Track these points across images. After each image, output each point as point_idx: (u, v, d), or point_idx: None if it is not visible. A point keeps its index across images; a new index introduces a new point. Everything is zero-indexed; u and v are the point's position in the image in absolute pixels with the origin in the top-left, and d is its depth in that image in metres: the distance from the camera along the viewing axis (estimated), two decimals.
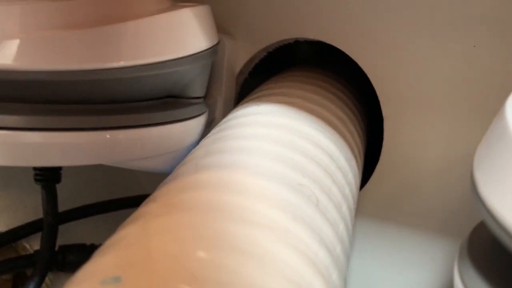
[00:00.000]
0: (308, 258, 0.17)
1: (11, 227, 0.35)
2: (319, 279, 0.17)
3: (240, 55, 0.36)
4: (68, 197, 0.35)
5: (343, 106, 0.32)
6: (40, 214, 0.36)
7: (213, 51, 0.28)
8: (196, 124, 0.28)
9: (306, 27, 0.33)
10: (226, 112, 0.37)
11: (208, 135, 0.27)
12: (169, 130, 0.26)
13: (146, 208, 0.19)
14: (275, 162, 0.21)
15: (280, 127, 0.25)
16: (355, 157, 0.29)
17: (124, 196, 0.39)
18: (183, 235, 0.16)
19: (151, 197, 0.20)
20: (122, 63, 0.23)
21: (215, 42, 0.28)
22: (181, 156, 0.28)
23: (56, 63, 0.22)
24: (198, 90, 0.28)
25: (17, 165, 0.23)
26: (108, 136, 0.23)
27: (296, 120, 0.26)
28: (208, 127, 0.32)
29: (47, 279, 0.33)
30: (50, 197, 0.33)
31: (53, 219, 0.33)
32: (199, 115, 0.28)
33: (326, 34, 0.32)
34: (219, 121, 0.36)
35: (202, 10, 0.27)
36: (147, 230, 0.16)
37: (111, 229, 0.39)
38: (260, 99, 0.30)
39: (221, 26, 0.34)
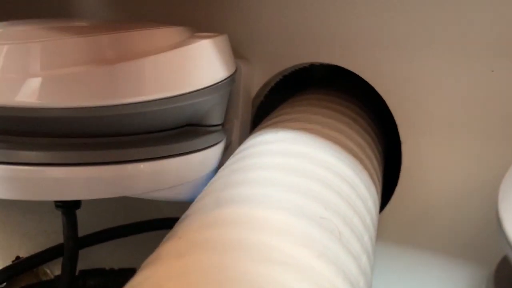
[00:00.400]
0: None
1: (32, 252, 0.35)
2: None
3: (256, 79, 0.36)
4: (87, 221, 0.36)
5: (360, 130, 0.32)
6: (60, 239, 0.36)
7: (231, 79, 0.28)
8: (215, 152, 0.28)
9: (322, 52, 0.33)
10: (243, 135, 0.37)
11: (227, 163, 0.27)
12: (190, 160, 0.26)
13: (169, 247, 0.19)
14: (296, 194, 0.21)
15: (300, 156, 0.25)
16: (374, 183, 0.29)
17: (142, 219, 0.39)
18: (207, 278, 0.16)
19: (173, 232, 0.20)
20: (143, 98, 0.23)
21: (233, 71, 0.29)
22: (201, 184, 0.29)
23: (78, 100, 0.22)
24: (217, 117, 0.29)
25: (40, 199, 0.23)
26: (130, 169, 0.23)
27: (315, 148, 0.26)
28: (225, 150, 0.32)
29: None
30: (71, 223, 0.33)
31: (73, 244, 0.33)
32: (218, 143, 0.28)
33: (342, 59, 0.33)
34: (236, 145, 0.37)
35: (220, 40, 0.27)
36: (170, 273, 0.16)
37: (129, 253, 0.39)
38: (277, 125, 0.30)
39: (237, 51, 0.35)
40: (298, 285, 0.16)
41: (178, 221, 0.22)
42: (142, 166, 0.24)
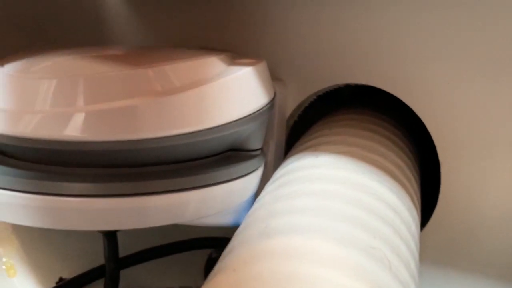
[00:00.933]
0: None
1: (74, 273, 0.36)
2: None
3: (291, 100, 0.37)
4: (126, 241, 0.36)
5: (398, 151, 0.32)
6: (99, 259, 0.37)
7: (272, 105, 0.29)
8: (257, 176, 0.29)
9: (358, 73, 0.33)
10: (277, 156, 0.38)
11: (269, 189, 0.27)
12: (234, 186, 0.26)
13: (222, 279, 0.19)
14: (345, 223, 0.21)
15: (343, 181, 0.25)
16: (415, 205, 0.29)
17: (179, 239, 0.39)
18: None
19: (224, 264, 0.21)
20: (188, 129, 0.23)
21: (273, 96, 0.29)
22: (242, 208, 0.29)
23: (126, 133, 0.23)
24: (257, 142, 0.29)
25: (88, 230, 0.24)
26: (175, 198, 0.24)
27: (357, 173, 0.26)
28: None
29: None
30: (111, 245, 0.34)
31: (114, 265, 0.34)
32: (259, 167, 0.29)
33: (379, 80, 0.33)
34: (271, 165, 0.37)
35: (261, 67, 0.28)
36: None
37: (167, 272, 0.40)
38: (317, 149, 0.30)
39: (272, 72, 0.35)
40: None
41: (226, 252, 0.22)
42: (189, 194, 0.24)
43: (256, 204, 0.26)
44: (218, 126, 0.24)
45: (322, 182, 0.25)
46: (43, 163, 0.25)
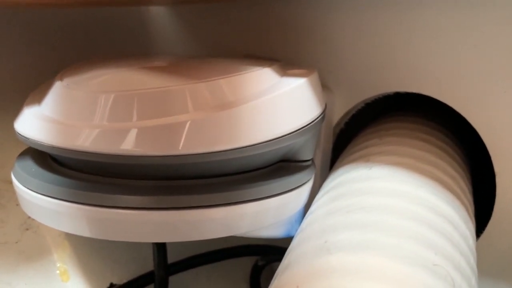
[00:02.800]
0: None
1: (123, 278, 0.37)
2: None
3: (338, 108, 0.36)
4: (174, 248, 0.37)
5: (451, 160, 0.31)
6: (148, 264, 0.37)
7: (324, 115, 0.28)
8: (308, 187, 0.29)
9: (409, 81, 0.33)
10: (324, 164, 0.38)
11: (321, 201, 0.27)
12: (288, 198, 0.26)
13: None
14: (407, 239, 0.21)
15: (399, 195, 0.25)
16: (470, 217, 0.28)
17: (225, 246, 0.40)
18: None
19: (285, 279, 0.21)
20: (245, 143, 0.23)
21: (325, 106, 0.29)
22: (294, 220, 0.29)
23: (183, 148, 0.23)
24: (309, 153, 0.29)
25: (144, 241, 0.24)
26: (231, 211, 0.24)
27: (413, 186, 0.26)
28: None
29: None
30: (161, 252, 0.34)
31: (163, 271, 0.35)
32: (310, 179, 0.29)
33: (431, 88, 0.32)
34: (317, 173, 0.37)
35: (313, 78, 0.28)
36: None
37: (213, 278, 0.40)
38: (369, 159, 0.30)
39: (321, 81, 0.35)
40: None
41: (284, 266, 0.22)
42: (244, 207, 0.24)
43: (309, 217, 0.26)
44: (272, 140, 0.24)
45: (379, 195, 0.25)
46: (99, 174, 0.25)
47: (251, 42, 0.39)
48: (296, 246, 0.23)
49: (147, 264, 0.37)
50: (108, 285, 0.36)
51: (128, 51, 0.45)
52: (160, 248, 0.34)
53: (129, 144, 0.23)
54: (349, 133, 0.39)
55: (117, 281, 0.36)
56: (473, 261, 0.24)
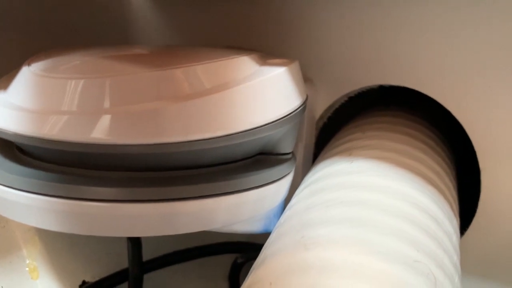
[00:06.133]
0: None
1: (97, 275, 0.35)
2: None
3: (321, 102, 0.35)
4: (150, 245, 0.35)
5: (435, 156, 0.30)
6: (122, 261, 0.36)
7: (304, 107, 0.27)
8: (288, 181, 0.28)
9: (393, 74, 0.32)
10: (306, 158, 0.37)
11: (301, 194, 0.26)
12: (265, 192, 0.25)
13: None
14: (387, 235, 0.20)
15: (382, 190, 0.24)
16: (455, 214, 0.27)
17: (202, 243, 0.38)
18: None
19: (258, 275, 0.20)
20: (220, 133, 0.22)
21: (305, 97, 0.28)
22: (272, 215, 0.28)
23: (154, 136, 0.21)
24: (288, 146, 0.28)
25: (115, 236, 0.23)
26: (206, 204, 0.23)
27: (395, 180, 0.25)
28: None
29: None
30: (135, 248, 0.33)
31: (138, 270, 0.33)
32: (290, 172, 0.27)
33: (415, 82, 0.31)
34: (299, 168, 0.36)
35: (294, 68, 0.27)
36: None
37: (191, 276, 0.39)
38: (351, 153, 0.29)
39: (302, 73, 0.34)
40: None
41: (260, 261, 0.21)
42: (220, 200, 0.23)
43: (287, 212, 0.25)
44: (250, 130, 0.23)
45: (360, 190, 0.24)
46: (69, 165, 0.24)
47: (234, 34, 0.38)
48: (273, 241, 0.22)
49: (122, 261, 0.35)
50: (80, 282, 0.35)
51: (107, 42, 0.44)
52: (135, 245, 0.33)
53: (99, 132, 0.21)
54: (333, 128, 0.38)
55: (90, 278, 0.35)
56: (456, 258, 0.24)
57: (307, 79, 0.34)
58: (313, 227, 0.21)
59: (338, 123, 0.38)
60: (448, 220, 0.25)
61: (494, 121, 0.29)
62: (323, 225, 0.21)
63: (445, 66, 0.29)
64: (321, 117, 0.37)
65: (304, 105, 0.27)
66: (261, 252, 0.22)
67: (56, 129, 0.22)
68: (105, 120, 0.21)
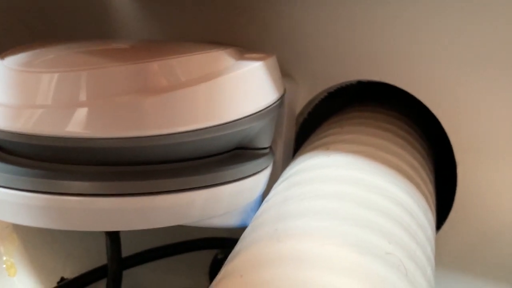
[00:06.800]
0: None
1: (76, 272, 0.35)
2: None
3: (301, 97, 0.35)
4: (129, 240, 0.35)
5: (413, 151, 0.31)
6: (102, 259, 0.36)
7: (281, 102, 0.27)
8: (266, 176, 0.28)
9: (371, 69, 0.32)
10: (286, 155, 0.37)
11: (278, 188, 0.26)
12: (243, 186, 0.25)
13: (230, 286, 0.18)
14: (359, 228, 0.20)
15: (357, 183, 0.24)
16: (430, 208, 0.28)
17: (184, 239, 0.38)
18: None
19: (230, 268, 0.20)
20: (195, 126, 0.22)
21: (283, 92, 0.28)
22: (250, 209, 0.28)
23: (128, 130, 0.21)
24: (266, 140, 0.28)
25: (91, 230, 0.23)
26: (181, 198, 0.23)
27: (371, 174, 0.25)
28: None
29: None
30: (115, 244, 0.33)
31: (117, 266, 0.33)
32: (268, 166, 0.28)
33: (392, 77, 0.31)
34: (279, 164, 0.36)
35: (270, 62, 0.27)
36: None
37: (171, 273, 0.39)
38: (328, 147, 0.29)
39: (282, 69, 0.34)
40: None
41: (233, 255, 0.21)
42: (196, 194, 0.23)
43: (264, 205, 0.25)
44: (226, 123, 0.23)
45: (335, 183, 0.24)
46: (45, 160, 0.24)
47: (213, 30, 0.38)
48: (248, 234, 0.22)
49: (102, 259, 0.35)
50: (59, 279, 0.35)
51: (86, 36, 0.43)
52: (113, 241, 0.32)
53: (74, 126, 0.21)
54: (313, 124, 0.38)
55: (69, 275, 0.35)
56: (430, 251, 0.24)
57: (286, 74, 0.34)
58: (287, 220, 0.21)
59: (318, 119, 0.38)
60: (423, 213, 0.25)
61: (470, 116, 0.29)
62: (297, 218, 0.21)
63: (421, 61, 0.30)
64: (301, 113, 0.37)
65: (281, 99, 0.27)
66: (236, 246, 0.23)
67: (31, 122, 0.22)
68: (80, 113, 0.21)
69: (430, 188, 0.29)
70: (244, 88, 0.24)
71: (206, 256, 0.37)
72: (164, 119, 0.21)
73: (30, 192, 0.22)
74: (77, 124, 0.21)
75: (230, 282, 0.18)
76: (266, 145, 0.28)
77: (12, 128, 0.22)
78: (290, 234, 0.20)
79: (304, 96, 0.35)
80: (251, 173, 0.26)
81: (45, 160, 0.23)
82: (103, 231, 0.32)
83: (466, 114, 0.29)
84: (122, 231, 0.33)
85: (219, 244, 0.38)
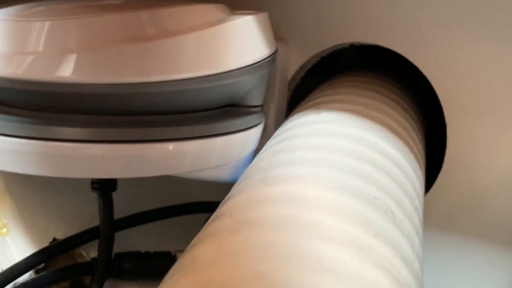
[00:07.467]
0: (393, 276, 0.16)
1: (68, 234, 0.35)
2: None
3: (293, 61, 0.36)
4: (121, 205, 0.35)
5: (404, 113, 0.31)
6: (95, 221, 0.36)
7: (272, 58, 0.27)
8: (256, 133, 0.28)
9: (362, 32, 0.32)
10: (278, 118, 0.37)
11: (268, 144, 0.26)
12: (233, 140, 0.25)
13: (220, 224, 0.18)
14: (347, 174, 0.21)
15: (346, 137, 0.24)
16: (420, 166, 0.28)
17: (176, 203, 0.39)
18: (264, 254, 0.15)
19: (220, 211, 0.20)
20: (184, 75, 0.22)
21: (274, 50, 0.28)
22: (241, 165, 0.28)
23: (116, 76, 0.22)
24: (257, 98, 0.28)
25: (80, 177, 0.23)
26: (172, 147, 0.23)
27: (361, 129, 0.25)
28: (262, 133, 0.32)
29: (104, 287, 0.33)
30: (107, 206, 0.33)
31: (109, 227, 0.33)
32: (259, 124, 0.28)
33: (383, 38, 0.31)
34: (271, 128, 0.36)
35: (262, 17, 0.27)
36: (224, 249, 0.16)
37: (164, 236, 0.39)
38: (320, 107, 0.29)
39: (275, 32, 0.34)
40: (359, 265, 0.15)
41: (224, 201, 0.21)
42: (187, 144, 0.23)
43: (256, 159, 0.25)
44: (216, 74, 0.23)
45: (324, 136, 0.24)
46: (38, 110, 0.24)
47: None
48: (238, 183, 0.23)
49: (93, 221, 0.35)
50: (51, 240, 0.35)
51: None
52: (106, 201, 0.33)
53: (62, 71, 0.21)
54: (305, 90, 0.38)
55: (61, 236, 0.35)
56: (418, 203, 0.24)
57: (278, 38, 0.34)
58: (276, 168, 0.21)
59: (311, 85, 0.38)
60: (412, 168, 0.26)
61: (459, 75, 0.29)
62: (286, 166, 0.21)
63: (412, 23, 0.30)
64: (294, 78, 0.37)
65: (273, 57, 0.27)
66: (227, 195, 0.23)
67: (22, 68, 0.22)
68: (69, 59, 0.21)
69: (419, 148, 0.29)
70: (235, 40, 0.24)
71: (199, 220, 0.37)
72: (153, 67, 0.22)
73: (23, 138, 0.22)
74: (66, 69, 0.21)
75: (220, 222, 0.18)
76: (257, 103, 0.28)
77: (4, 74, 0.22)
78: (278, 180, 0.20)
79: (297, 60, 0.35)
80: (242, 128, 0.26)
81: (39, 110, 0.23)
82: (95, 191, 0.32)
83: (456, 75, 0.29)
84: (115, 194, 0.33)
85: (211, 208, 0.38)
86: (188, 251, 0.17)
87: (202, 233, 0.19)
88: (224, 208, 0.20)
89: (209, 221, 0.20)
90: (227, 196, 0.22)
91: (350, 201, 0.19)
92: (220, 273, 0.14)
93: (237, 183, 0.23)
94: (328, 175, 0.20)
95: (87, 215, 0.36)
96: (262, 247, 0.15)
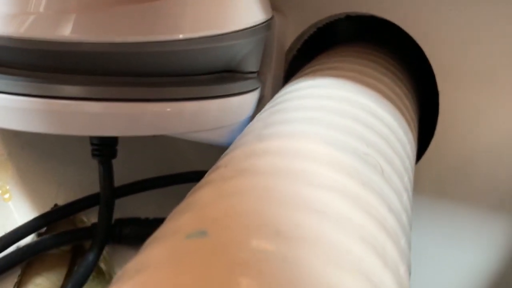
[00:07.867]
0: (380, 222, 0.17)
1: (68, 200, 0.36)
2: (390, 242, 0.17)
3: (290, 32, 0.36)
4: (121, 173, 0.36)
5: (398, 81, 0.31)
6: (94, 189, 0.37)
7: (268, 24, 0.28)
8: (252, 98, 0.28)
9: (357, 1, 0.32)
10: (275, 89, 0.37)
11: (265, 108, 0.27)
12: (229, 103, 0.26)
13: (216, 174, 0.19)
14: (339, 132, 0.21)
15: (340, 99, 0.25)
16: (411, 131, 0.29)
17: (174, 172, 0.39)
18: (257, 196, 0.16)
19: (218, 164, 0.21)
20: (182, 36, 0.23)
21: (270, 16, 0.28)
22: (237, 129, 0.29)
23: (116, 35, 0.22)
24: (253, 64, 0.29)
25: (79, 134, 0.24)
26: (169, 108, 0.24)
27: (354, 93, 0.26)
28: (258, 104, 0.32)
29: (104, 251, 0.34)
30: (107, 172, 0.34)
31: (109, 193, 0.34)
32: (255, 89, 0.28)
33: (378, 8, 0.32)
34: (268, 99, 0.36)
35: None
36: (222, 191, 0.17)
37: (164, 204, 0.40)
38: (315, 73, 0.29)
39: (271, 2, 0.34)
40: (347, 209, 0.16)
41: (220, 158, 0.22)
42: (183, 105, 0.24)
43: (253, 121, 0.26)
44: (214, 36, 0.24)
45: (319, 99, 0.25)
46: (38, 70, 0.24)
47: None
48: (234, 143, 0.23)
49: (94, 189, 0.36)
50: (52, 206, 0.36)
51: None
52: (106, 168, 0.33)
53: (64, 30, 0.22)
54: (302, 62, 0.39)
55: (62, 203, 0.36)
56: (408, 164, 0.25)
57: (274, 8, 0.35)
58: (269, 127, 0.22)
59: (308, 58, 0.39)
60: (403, 132, 0.26)
61: (452, 43, 0.30)
62: (281, 124, 0.22)
63: None
64: (291, 49, 0.37)
65: (268, 22, 0.28)
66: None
67: (23, 27, 0.22)
68: (70, 18, 0.22)
69: (412, 115, 0.30)
70: (233, 2, 0.24)
71: None
72: (152, 26, 0.22)
73: (24, 96, 0.23)
74: (66, 28, 0.22)
75: (216, 172, 0.19)
76: (253, 70, 0.29)
77: (5, 33, 0.22)
78: (273, 136, 0.21)
79: (293, 30, 0.36)
80: (238, 92, 0.26)
81: (40, 69, 0.24)
82: (96, 161, 0.33)
83: (448, 42, 0.30)
84: (115, 161, 0.34)
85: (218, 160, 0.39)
86: (188, 196, 0.18)
87: (199, 184, 0.19)
88: (220, 162, 0.21)
89: (208, 173, 0.21)
90: (223, 155, 0.23)
91: (342, 154, 0.20)
92: (215, 210, 0.15)
93: (233, 143, 0.24)
94: (322, 131, 0.21)
95: (87, 184, 0.37)
96: (255, 190, 0.16)
